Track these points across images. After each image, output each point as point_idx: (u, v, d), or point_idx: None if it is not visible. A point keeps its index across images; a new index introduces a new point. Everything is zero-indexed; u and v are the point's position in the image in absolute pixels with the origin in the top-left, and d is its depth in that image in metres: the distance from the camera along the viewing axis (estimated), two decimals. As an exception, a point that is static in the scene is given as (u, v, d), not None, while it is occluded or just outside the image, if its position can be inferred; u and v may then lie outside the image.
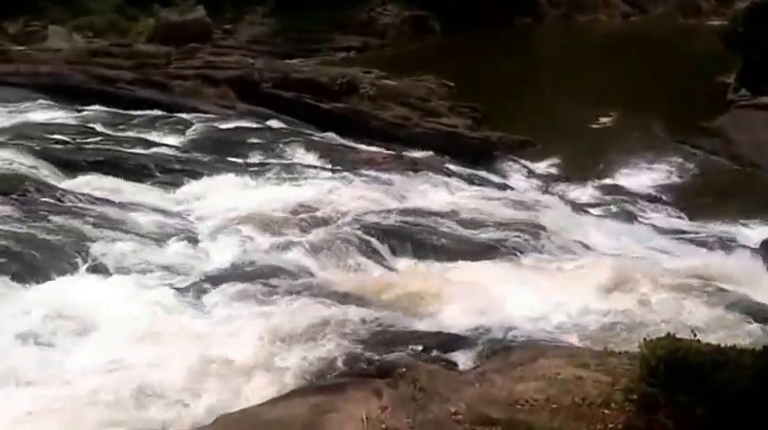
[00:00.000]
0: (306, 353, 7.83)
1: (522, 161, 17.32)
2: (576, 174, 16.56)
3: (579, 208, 13.96)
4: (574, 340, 8.32)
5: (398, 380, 6.77)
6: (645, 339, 5.69)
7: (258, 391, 7.22)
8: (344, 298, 9.12)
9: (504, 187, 14.87)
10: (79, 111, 17.68)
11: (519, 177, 16.47)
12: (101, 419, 6.57)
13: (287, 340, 8.03)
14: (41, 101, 18.25)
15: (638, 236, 12.34)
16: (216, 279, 9.58)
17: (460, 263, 10.54)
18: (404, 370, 6.99)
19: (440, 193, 13.29)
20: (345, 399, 6.43)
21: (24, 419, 6.48)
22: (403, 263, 10.62)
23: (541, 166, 17.13)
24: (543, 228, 11.55)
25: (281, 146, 15.63)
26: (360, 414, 6.06)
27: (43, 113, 17.22)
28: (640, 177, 16.37)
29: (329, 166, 14.57)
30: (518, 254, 10.87)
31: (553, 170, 17.03)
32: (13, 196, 11.34)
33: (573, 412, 5.73)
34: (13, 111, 17.30)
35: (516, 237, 11.19)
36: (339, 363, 7.73)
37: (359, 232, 10.97)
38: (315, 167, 14.34)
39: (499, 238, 11.18)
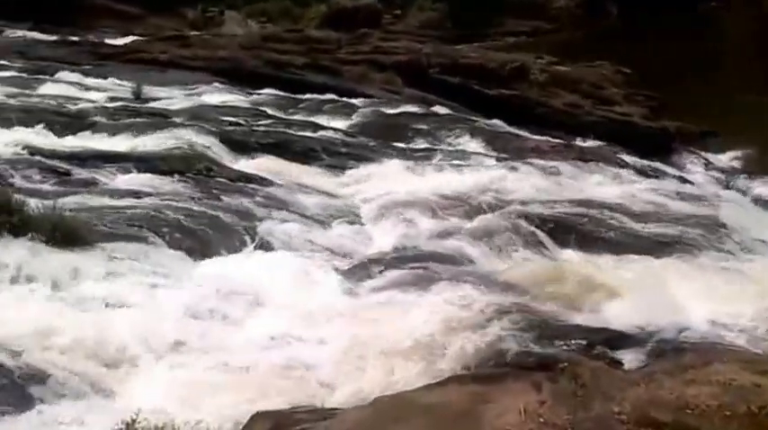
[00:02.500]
0: (464, 341, 7.70)
1: (702, 153, 16.58)
2: (762, 168, 15.62)
3: (764, 205, 13.18)
4: (751, 345, 7.83)
5: (559, 375, 6.53)
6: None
7: (414, 376, 7.14)
8: (506, 287, 8.94)
9: (681, 180, 14.23)
10: (251, 94, 18.27)
11: (698, 170, 15.76)
12: (261, 392, 6.68)
13: (446, 327, 7.92)
14: (216, 84, 18.98)
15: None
16: (378, 262, 9.61)
17: (630, 257, 10.12)
18: (565, 364, 6.74)
19: (610, 185, 12.86)
20: (503, 390, 6.27)
21: (191, 389, 6.66)
22: (568, 255, 10.30)
23: (723, 159, 16.34)
24: (723, 225, 10.96)
25: (446, 132, 15.59)
26: (517, 406, 5.88)
27: (218, 96, 17.89)
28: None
29: (494, 154, 14.40)
30: (694, 251, 10.32)
31: (735, 163, 16.20)
32: (189, 175, 11.80)
33: (747, 421, 5.36)
34: (190, 94, 18.05)
35: (692, 233, 10.66)
36: (498, 353, 7.55)
37: (523, 221, 10.74)
38: (480, 154, 14.21)
39: (673, 234, 10.68)
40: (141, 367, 7.02)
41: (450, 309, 8.27)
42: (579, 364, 6.73)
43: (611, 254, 10.28)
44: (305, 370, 7.17)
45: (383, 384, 7.03)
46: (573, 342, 7.89)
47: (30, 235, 8.70)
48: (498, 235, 10.39)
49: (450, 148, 14.58)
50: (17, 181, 10.89)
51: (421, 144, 14.97)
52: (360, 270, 9.41)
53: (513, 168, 13.13)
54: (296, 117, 16.46)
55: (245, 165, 12.85)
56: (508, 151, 14.52)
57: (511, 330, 7.93)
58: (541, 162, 13.71)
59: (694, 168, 15.84)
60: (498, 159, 13.87)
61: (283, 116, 16.44)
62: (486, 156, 14.15)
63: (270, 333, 7.78)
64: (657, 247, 10.40)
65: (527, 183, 12.40)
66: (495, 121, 16.83)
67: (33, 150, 12.15)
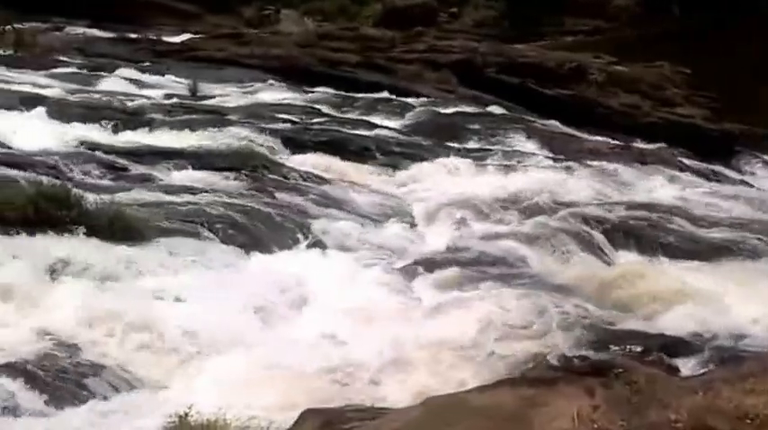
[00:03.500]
0: (517, 343, 7.64)
1: (766, 157, 16.19)
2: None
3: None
4: (815, 355, 7.62)
5: (613, 381, 6.42)
6: None
7: (465, 378, 7.09)
8: (561, 290, 8.84)
9: (743, 184, 13.97)
10: (306, 92, 18.34)
11: (762, 175, 15.44)
12: (310, 389, 6.67)
13: (498, 329, 7.87)
14: (272, 82, 19.08)
15: None
16: (430, 262, 9.56)
17: (690, 263, 9.96)
18: (620, 370, 6.63)
19: (670, 188, 12.70)
20: (556, 394, 6.17)
21: (241, 385, 6.68)
22: (626, 259, 10.18)
23: (787, 163, 15.98)
24: (786, 230, 10.72)
25: (501, 132, 15.51)
26: (570, 411, 5.78)
27: (273, 94, 17.98)
28: None
29: (551, 155, 14.29)
30: (756, 257, 10.11)
31: (800, 167, 15.83)
32: (244, 172, 11.88)
33: (809, 432, 5.20)
34: (246, 92, 18.18)
35: (755, 239, 10.45)
36: (551, 357, 7.44)
37: (580, 224, 10.65)
38: (536, 155, 14.11)
39: (735, 239, 10.47)
40: (193, 362, 7.06)
41: (503, 310, 8.19)
42: (634, 370, 6.61)
43: (669, 258, 10.14)
44: (355, 368, 7.13)
45: (433, 385, 6.97)
46: (628, 347, 7.75)
47: (87, 229, 8.81)
48: (554, 237, 10.31)
49: (505, 149, 14.48)
50: (76, 176, 11.04)
51: (476, 144, 14.90)
52: (412, 270, 9.36)
53: (570, 170, 13.03)
54: (350, 115, 16.48)
55: (299, 162, 12.89)
56: (565, 152, 14.39)
57: (564, 333, 7.86)
58: (599, 164, 13.56)
59: (759, 172, 15.53)
60: (555, 160, 13.76)
61: (337, 114, 16.47)
62: (543, 157, 14.04)
63: (320, 331, 7.77)
64: (717, 252, 10.21)
65: (584, 184, 12.28)
66: (552, 122, 16.69)
67: (92, 146, 12.33)
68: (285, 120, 14.91)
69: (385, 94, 18.24)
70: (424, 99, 18.11)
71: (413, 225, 10.88)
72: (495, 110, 17.48)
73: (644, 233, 10.66)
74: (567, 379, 6.57)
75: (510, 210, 11.22)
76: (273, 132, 13.86)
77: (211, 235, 9.53)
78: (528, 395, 6.15)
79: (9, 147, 11.80)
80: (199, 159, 12.24)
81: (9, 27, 5.94)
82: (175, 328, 7.34)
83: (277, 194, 11.11)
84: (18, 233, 8.61)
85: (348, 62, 20.17)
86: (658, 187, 12.75)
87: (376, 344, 7.50)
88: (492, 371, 7.22)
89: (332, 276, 8.96)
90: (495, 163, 13.38)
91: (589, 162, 13.70)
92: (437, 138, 14.86)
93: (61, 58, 19.63)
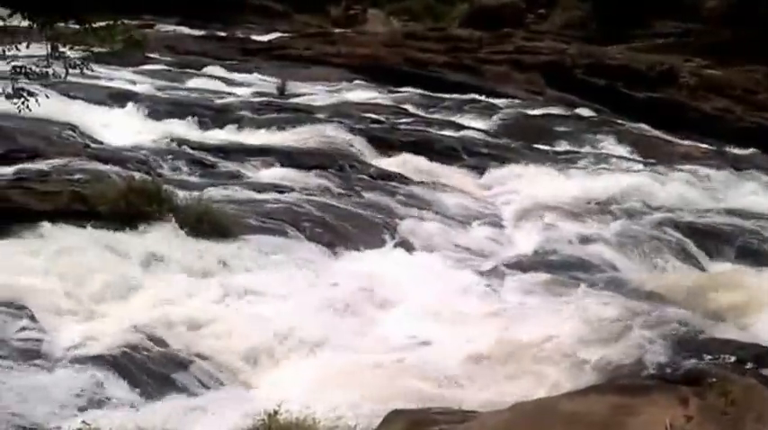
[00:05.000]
0: (606, 349, 7.46)
1: None
2: None
3: None
4: None
5: (707, 391, 6.25)
6: None
7: (553, 383, 6.97)
8: (651, 297, 8.65)
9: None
10: (393, 92, 18.35)
11: None
12: (396, 390, 6.63)
13: (587, 334, 7.71)
14: (358, 81, 19.13)
15: None
16: (517, 265, 9.47)
17: (785, 272, 9.64)
18: (714, 380, 6.45)
19: (765, 195, 12.29)
20: (648, 403, 6.03)
21: (328, 384, 6.68)
22: (719, 266, 9.90)
23: None
24: None
25: (590, 134, 15.33)
26: (663, 420, 5.64)
27: (360, 93, 18.03)
28: None
29: (641, 158, 14.05)
30: None
31: None
32: (331, 170, 11.95)
33: None
34: (333, 90, 18.27)
35: None
36: (642, 365, 7.27)
37: (671, 229, 10.43)
38: (625, 159, 13.90)
39: (834, 248, 10.11)
40: (280, 359, 7.10)
41: (592, 316, 8.03)
42: (729, 381, 6.42)
43: (764, 267, 9.81)
44: (441, 369, 7.08)
45: (520, 389, 6.87)
46: (722, 357, 7.50)
47: (177, 225, 8.95)
48: (644, 242, 10.12)
49: (594, 152, 14.27)
50: (165, 171, 11.24)
51: (564, 146, 14.73)
52: (498, 272, 9.27)
53: (661, 174, 12.75)
54: (437, 116, 16.44)
55: (385, 162, 12.91)
56: (655, 156, 14.10)
57: (655, 341, 7.63)
58: (691, 168, 13.24)
59: None
60: (645, 164, 13.50)
61: (424, 115, 16.45)
62: (632, 160, 13.80)
63: (406, 331, 7.75)
64: (816, 261, 9.87)
65: (675, 189, 12.01)
66: (642, 125, 16.39)
67: (181, 142, 12.53)
68: (372, 120, 14.95)
69: (472, 95, 18.15)
70: (512, 100, 17.99)
71: (500, 227, 10.80)
72: (584, 112, 17.28)
73: (737, 240, 10.38)
74: (659, 387, 6.42)
75: (599, 214, 11.05)
76: (360, 132, 13.91)
77: (299, 233, 9.58)
78: (619, 403, 6.02)
79: (101, 143, 12.08)
80: (286, 157, 12.33)
81: (120, 23, 6.10)
82: (263, 326, 7.40)
83: (364, 194, 11.15)
84: (110, 227, 8.78)
85: (435, 62, 20.11)
86: (753, 193, 12.38)
87: (462, 346, 7.43)
88: (580, 377, 7.08)
89: (418, 277, 8.92)
90: (584, 166, 13.20)
91: (680, 166, 13.40)
92: (525, 140, 14.73)
93: (151, 55, 20.00)
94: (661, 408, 5.88)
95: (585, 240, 10.25)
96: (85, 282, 7.84)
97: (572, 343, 7.56)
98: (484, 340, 7.54)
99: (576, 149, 14.48)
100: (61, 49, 5.46)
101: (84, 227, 8.75)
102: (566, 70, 19.20)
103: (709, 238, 10.41)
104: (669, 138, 15.79)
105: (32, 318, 7.10)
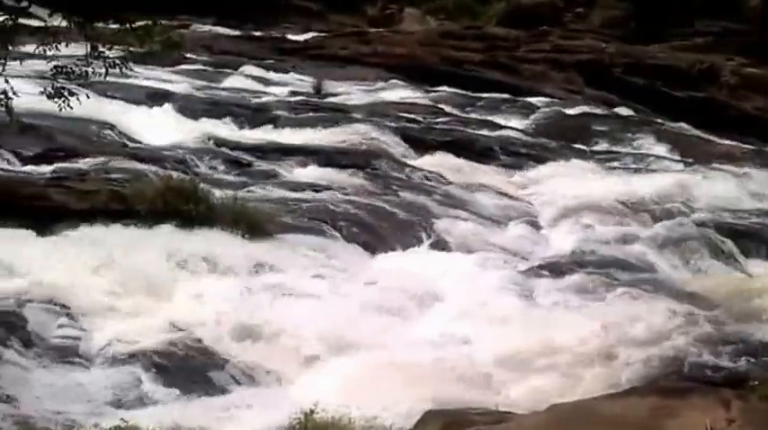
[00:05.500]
0: (645, 351, 7.39)
1: None
2: None
3: None
4: None
5: (749, 393, 6.15)
6: None
7: (591, 384, 6.90)
8: (691, 298, 8.53)
9: None
10: (429, 91, 18.29)
11: None
12: (432, 390, 6.60)
13: (625, 335, 7.64)
14: (394, 80, 19.09)
15: None
16: (554, 265, 9.40)
17: (831, 274, 9.47)
18: (755, 382, 6.35)
19: (808, 196, 12.09)
20: (688, 405, 5.93)
21: (363, 383, 6.67)
22: (760, 267, 9.76)
23: None
24: None
25: (628, 134, 15.19)
26: (703, 423, 5.55)
27: (396, 92, 18.00)
28: None
29: (680, 158, 13.92)
30: None
31: None
32: (367, 170, 11.94)
33: None
34: (369, 90, 18.26)
35: None
36: (681, 366, 7.21)
37: (710, 230, 10.28)
38: (664, 158, 13.78)
39: None
40: (317, 358, 7.10)
41: (630, 317, 7.95)
42: (771, 383, 6.33)
43: (807, 269, 9.68)
44: (476, 370, 7.06)
45: (556, 390, 6.82)
46: (764, 359, 7.40)
47: (214, 224, 8.98)
48: (684, 243, 10.00)
49: (632, 151, 14.16)
50: (202, 170, 11.29)
51: (602, 146, 14.62)
52: (535, 272, 9.20)
53: (701, 174, 12.59)
54: (473, 115, 16.38)
55: (422, 162, 12.88)
56: (695, 156, 13.93)
57: (695, 343, 7.55)
58: (732, 168, 13.05)
59: None
60: (685, 164, 13.36)
61: (460, 114, 16.38)
62: (672, 160, 13.66)
63: (442, 331, 7.71)
64: None
65: (716, 189, 11.84)
66: (682, 124, 16.23)
67: (218, 141, 12.58)
68: (408, 119, 14.92)
69: (509, 95, 18.05)
70: (549, 99, 17.87)
71: (537, 227, 10.73)
72: (623, 111, 17.16)
73: (779, 242, 10.23)
74: (699, 389, 6.31)
75: (638, 215, 10.94)
76: (396, 131, 13.88)
77: (335, 232, 9.59)
78: (659, 405, 5.93)
79: (139, 142, 12.16)
80: (322, 156, 12.34)
81: (158, 24, 6.14)
82: (299, 325, 7.40)
83: (400, 193, 11.12)
84: (147, 226, 8.83)
85: (471, 61, 20.03)
86: (795, 194, 12.19)
87: (498, 347, 7.39)
88: (618, 379, 7.01)
89: (454, 277, 8.88)
90: (623, 165, 13.11)
91: (720, 166, 13.21)
92: (562, 139, 14.63)
93: (188, 55, 20.13)
94: (701, 411, 5.78)
95: (624, 240, 10.15)
96: (123, 281, 7.90)
97: (610, 344, 7.50)
98: (521, 340, 7.49)
99: (614, 149, 14.37)
100: (100, 49, 5.49)
101: (123, 225, 8.82)
102: (604, 69, 19.07)
103: (749, 239, 10.28)
104: (709, 137, 15.61)
105: (71, 316, 7.19)
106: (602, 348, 7.44)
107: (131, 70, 6.30)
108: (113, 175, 10.05)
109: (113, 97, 13.79)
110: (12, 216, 8.81)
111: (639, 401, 6.10)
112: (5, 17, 5.38)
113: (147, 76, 16.22)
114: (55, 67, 5.58)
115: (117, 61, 5.53)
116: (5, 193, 9.18)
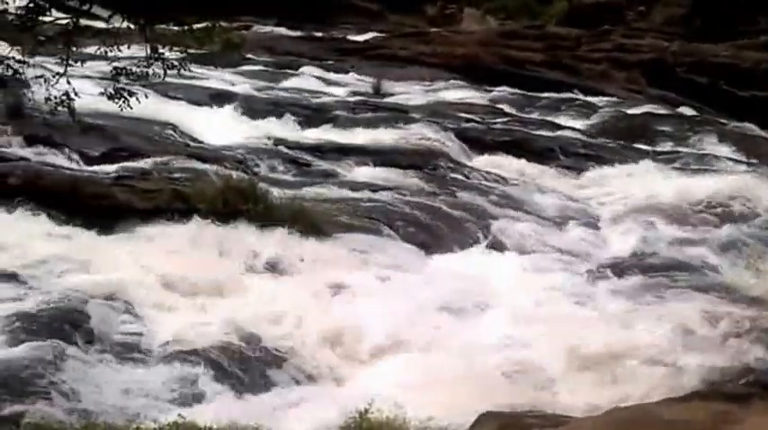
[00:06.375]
0: (708, 355, 7.25)
1: None
2: None
3: None
4: None
5: (814, 400, 6.01)
6: None
7: (651, 389, 6.78)
8: (755, 302, 8.34)
9: None
10: (488, 91, 18.22)
11: None
12: (487, 391, 6.57)
13: (686, 339, 7.52)
14: (454, 80, 19.05)
15: None
16: (614, 267, 9.28)
17: None
18: (822, 389, 6.21)
19: None
20: (753, 411, 5.83)
21: (418, 383, 6.66)
22: (829, 271, 9.50)
23: None
24: None
25: (691, 134, 14.98)
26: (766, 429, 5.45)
27: (455, 93, 17.96)
28: None
29: (744, 159, 13.64)
30: None
31: None
32: (426, 170, 11.94)
33: None
34: (429, 90, 18.24)
35: None
36: (744, 372, 7.03)
37: (777, 233, 10.05)
38: (729, 159, 13.50)
39: None
40: (372, 357, 7.12)
41: (692, 320, 7.82)
42: (838, 390, 6.18)
43: None
44: (533, 372, 6.99)
45: (615, 394, 6.72)
46: (831, 365, 7.23)
47: (272, 223, 9.05)
48: (747, 245, 9.76)
49: (695, 151, 13.91)
50: (262, 170, 11.38)
51: (664, 146, 14.40)
52: (594, 274, 9.11)
53: (766, 175, 12.29)
54: (533, 115, 16.29)
55: (480, 162, 12.84)
56: (760, 156, 13.65)
57: (759, 348, 7.38)
58: (798, 170, 12.76)
59: None
60: (749, 164, 13.09)
61: (520, 114, 16.30)
62: (735, 160, 13.40)
63: (499, 333, 7.64)
64: None
65: (782, 190, 11.56)
66: (746, 124, 15.90)
67: (277, 141, 12.67)
68: (467, 120, 14.87)
69: (569, 94, 17.91)
70: (611, 99, 17.69)
71: (596, 228, 10.61)
72: (686, 111, 16.91)
73: None
74: (762, 395, 6.21)
75: (701, 216, 10.74)
76: (455, 131, 13.85)
77: (392, 232, 9.60)
78: (721, 410, 5.83)
79: (200, 142, 12.30)
80: (381, 156, 12.35)
81: (218, 25, 6.20)
82: (356, 325, 7.43)
83: (458, 194, 11.10)
84: (208, 225, 8.95)
85: (532, 61, 19.90)
86: None
87: (556, 349, 7.30)
88: (679, 383, 6.88)
89: (512, 278, 8.83)
90: (685, 166, 12.87)
91: (786, 167, 12.95)
92: (624, 139, 14.45)
93: (249, 56, 20.31)
94: (765, 417, 5.68)
95: (686, 243, 9.97)
96: (184, 279, 8.02)
97: (671, 348, 7.38)
98: (578, 343, 7.39)
99: (677, 149, 14.14)
100: (160, 51, 5.58)
101: (184, 224, 8.96)
102: (667, 68, 18.81)
103: (818, 242, 9.97)
104: (774, 137, 15.29)
105: (134, 313, 7.32)
106: (663, 352, 7.33)
107: (190, 71, 6.38)
108: (175, 175, 10.18)
109: (176, 98, 13.97)
110: (77, 214, 9.04)
111: (701, 406, 5.99)
112: (68, 19, 5.49)
113: (210, 77, 16.43)
114: (115, 68, 5.69)
115: (175, 62, 5.61)
116: (71, 192, 9.39)
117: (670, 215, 10.77)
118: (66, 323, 6.90)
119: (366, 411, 5.33)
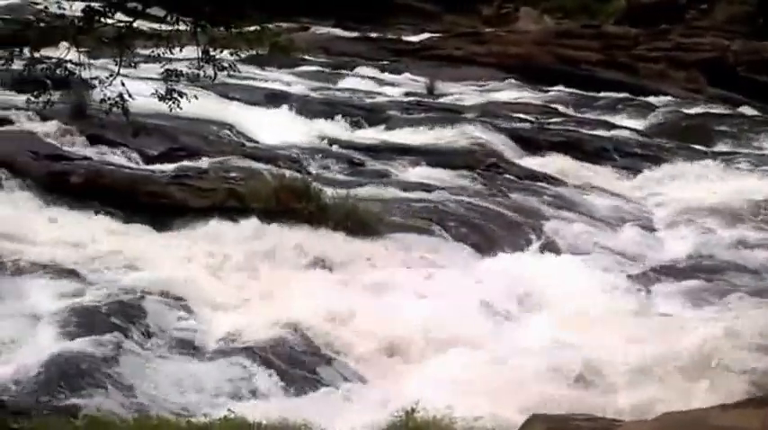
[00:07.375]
0: (763, 360, 7.11)
1: None
2: None
3: None
4: None
5: None
6: None
7: (704, 394, 6.69)
8: (816, 307, 8.19)
9: None
10: (543, 91, 18.11)
11: None
12: (535, 394, 6.54)
13: (742, 344, 7.35)
14: (509, 80, 18.96)
15: None
16: (669, 270, 9.20)
17: None
18: None
19: None
20: (808, 419, 5.71)
21: (466, 384, 6.65)
22: None
23: None
24: None
25: (752, 134, 14.69)
26: (821, 437, 5.34)
27: (509, 93, 17.88)
28: None
29: (808, 160, 13.27)
30: None
31: None
32: (478, 170, 11.89)
33: None
34: (483, 90, 18.19)
35: None
36: (803, 379, 6.92)
37: (837, 236, 9.83)
38: (790, 160, 13.17)
39: None
40: (422, 357, 7.14)
41: (749, 326, 7.64)
42: None
43: None
44: (583, 375, 6.91)
45: (667, 399, 6.64)
46: None
47: (325, 222, 9.13)
48: (807, 249, 9.57)
49: (756, 152, 13.64)
50: (315, 169, 11.47)
51: (724, 147, 14.13)
52: (649, 277, 9.02)
53: (829, 176, 12.04)
54: (588, 115, 16.13)
55: (533, 163, 12.75)
56: (823, 158, 13.33)
57: (818, 354, 7.25)
58: None
59: None
60: (812, 166, 12.77)
61: (575, 114, 16.17)
62: (800, 162, 13.08)
63: (550, 335, 7.61)
64: None
65: None
66: (810, 125, 15.58)
67: (331, 141, 12.77)
68: (521, 120, 14.80)
69: (626, 94, 17.69)
70: (669, 99, 17.44)
71: (652, 230, 10.48)
72: (747, 111, 16.59)
73: None
74: (820, 403, 6.09)
75: (761, 219, 10.54)
76: (509, 131, 13.80)
77: (444, 233, 9.60)
78: (775, 418, 5.74)
79: (256, 142, 12.44)
80: (434, 156, 12.35)
81: (269, 28, 6.26)
82: (406, 323, 7.45)
83: (511, 194, 11.04)
84: (262, 223, 9.07)
85: (588, 60, 19.70)
86: None
87: (607, 352, 7.23)
88: (734, 389, 6.76)
89: (564, 280, 8.74)
90: (746, 167, 12.63)
91: None
92: (681, 140, 14.22)
93: (305, 56, 20.46)
94: (821, 426, 5.57)
95: (745, 245, 9.82)
96: (237, 276, 8.15)
97: (726, 352, 7.24)
98: (631, 345, 7.33)
99: (736, 150, 13.87)
100: (212, 53, 5.67)
101: (239, 223, 9.10)
102: (728, 67, 18.47)
103: None
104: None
105: (188, 309, 7.45)
106: (717, 356, 7.20)
107: (240, 72, 6.47)
108: (231, 174, 10.32)
109: (233, 98, 14.17)
110: (135, 212, 9.25)
111: (754, 413, 5.88)
112: (123, 24, 5.61)
113: (266, 78, 16.61)
114: (166, 70, 5.79)
115: (225, 64, 5.70)
116: (129, 191, 9.61)
117: (728, 217, 10.60)
118: (123, 318, 7.07)
119: (413, 410, 5.35)
